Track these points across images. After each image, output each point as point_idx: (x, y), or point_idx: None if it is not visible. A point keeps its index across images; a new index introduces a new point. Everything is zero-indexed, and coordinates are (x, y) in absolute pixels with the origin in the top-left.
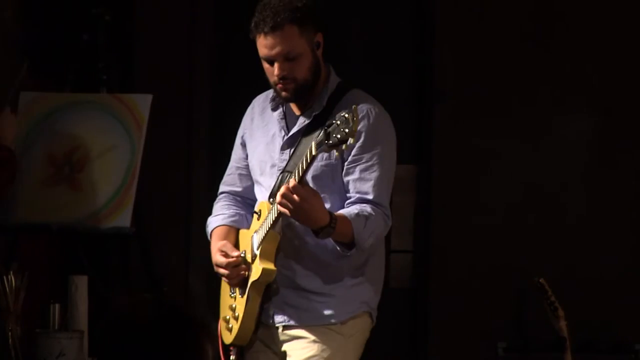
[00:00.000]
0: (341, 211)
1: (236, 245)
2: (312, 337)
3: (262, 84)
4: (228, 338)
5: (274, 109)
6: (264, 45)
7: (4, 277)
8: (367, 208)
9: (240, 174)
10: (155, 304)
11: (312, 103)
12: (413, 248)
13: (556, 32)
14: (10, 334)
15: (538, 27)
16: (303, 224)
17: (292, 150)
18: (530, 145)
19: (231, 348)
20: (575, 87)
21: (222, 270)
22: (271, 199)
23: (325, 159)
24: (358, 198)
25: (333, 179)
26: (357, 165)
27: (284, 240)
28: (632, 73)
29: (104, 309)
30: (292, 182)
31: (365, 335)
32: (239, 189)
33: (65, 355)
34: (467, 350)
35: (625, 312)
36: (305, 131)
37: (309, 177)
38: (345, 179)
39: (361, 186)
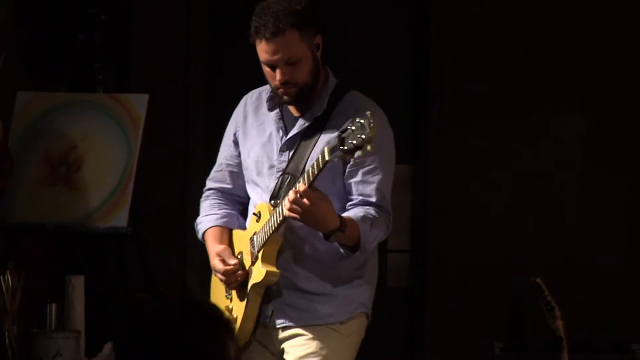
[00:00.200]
0: (347, 214)
1: (231, 247)
2: (311, 335)
3: (259, 84)
4: None
5: (271, 110)
6: (265, 50)
7: (1, 277)
8: (372, 211)
9: (231, 172)
10: (179, 301)
11: (311, 105)
12: (410, 248)
13: (554, 32)
14: (7, 334)
15: (535, 28)
16: (314, 228)
17: (292, 152)
18: (528, 146)
19: None
20: (573, 88)
21: (220, 276)
22: (272, 202)
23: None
24: (361, 201)
25: (333, 181)
26: (360, 168)
27: (285, 244)
28: (631, 73)
29: (122, 310)
30: (302, 186)
31: (361, 335)
32: (229, 187)
33: (62, 356)
34: (464, 350)
35: (623, 312)
36: (305, 134)
37: None
38: (348, 181)
39: (364, 189)
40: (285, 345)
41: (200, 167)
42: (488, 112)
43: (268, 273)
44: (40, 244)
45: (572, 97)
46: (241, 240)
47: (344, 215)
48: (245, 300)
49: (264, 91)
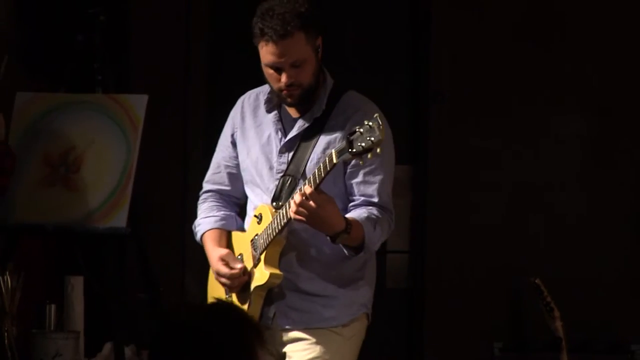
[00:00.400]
0: (350, 214)
1: (230, 249)
2: (313, 339)
3: (258, 85)
4: None
5: (269, 111)
6: (271, 52)
7: (0, 278)
8: (374, 211)
9: (229, 173)
10: (211, 308)
11: (310, 106)
12: (409, 248)
13: (553, 32)
14: (6, 334)
15: (535, 27)
16: (319, 230)
17: (292, 153)
18: (527, 146)
19: None
20: (573, 88)
21: (223, 280)
22: (274, 203)
23: None
24: (363, 201)
25: (334, 182)
26: (361, 168)
27: (287, 245)
28: (630, 73)
29: (153, 317)
30: (307, 189)
31: (362, 335)
32: (227, 188)
33: (61, 356)
34: (463, 350)
35: (621, 312)
36: (304, 135)
37: None
38: (349, 182)
39: (366, 189)
40: (287, 349)
41: (199, 168)
42: (488, 112)
43: (271, 275)
44: (39, 244)
45: (571, 97)
46: (241, 242)
47: (348, 216)
48: (247, 302)
49: (262, 92)
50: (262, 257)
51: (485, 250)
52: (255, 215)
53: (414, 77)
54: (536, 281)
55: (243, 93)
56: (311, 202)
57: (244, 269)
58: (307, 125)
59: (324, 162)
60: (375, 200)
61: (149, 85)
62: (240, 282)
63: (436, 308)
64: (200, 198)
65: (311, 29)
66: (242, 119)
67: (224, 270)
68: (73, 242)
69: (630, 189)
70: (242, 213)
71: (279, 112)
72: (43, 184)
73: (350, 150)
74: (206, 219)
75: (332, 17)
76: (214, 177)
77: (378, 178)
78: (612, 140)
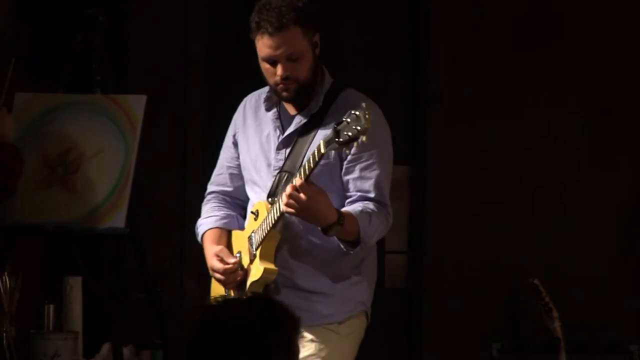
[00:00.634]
0: (345, 208)
1: (229, 247)
2: (310, 337)
3: (256, 84)
4: None
5: (268, 109)
6: (267, 45)
7: None
8: (370, 205)
9: (231, 174)
10: (249, 301)
11: (308, 103)
12: (407, 249)
13: (553, 32)
14: (4, 334)
15: (534, 28)
16: (311, 222)
17: (289, 150)
18: (527, 146)
19: None
20: (572, 88)
21: (218, 276)
22: (270, 199)
23: (324, 159)
24: (360, 196)
25: (332, 178)
26: (357, 164)
27: (282, 240)
28: (630, 73)
29: (193, 312)
30: (298, 180)
31: (361, 334)
32: (230, 189)
33: (60, 356)
34: (462, 350)
35: (620, 312)
36: (302, 131)
37: None
38: (345, 178)
39: (362, 185)
40: None
41: (198, 168)
42: (486, 112)
43: (265, 270)
44: (38, 244)
45: (571, 97)
46: (240, 239)
47: (342, 209)
48: None
49: (262, 93)
50: (258, 252)
51: (484, 250)
52: (252, 212)
53: (412, 77)
54: (535, 281)
55: (242, 93)
56: (302, 194)
57: (239, 264)
58: (304, 121)
59: (313, 153)
60: (372, 195)
61: (148, 85)
62: (235, 277)
63: (434, 308)
64: (205, 199)
65: (308, 24)
66: (244, 120)
67: (218, 265)
68: (71, 243)
69: (629, 190)
70: (245, 214)
71: (278, 110)
72: (42, 185)
73: (337, 139)
74: (207, 219)
75: (331, 16)
76: (217, 179)
77: (374, 173)
78: (612, 140)
